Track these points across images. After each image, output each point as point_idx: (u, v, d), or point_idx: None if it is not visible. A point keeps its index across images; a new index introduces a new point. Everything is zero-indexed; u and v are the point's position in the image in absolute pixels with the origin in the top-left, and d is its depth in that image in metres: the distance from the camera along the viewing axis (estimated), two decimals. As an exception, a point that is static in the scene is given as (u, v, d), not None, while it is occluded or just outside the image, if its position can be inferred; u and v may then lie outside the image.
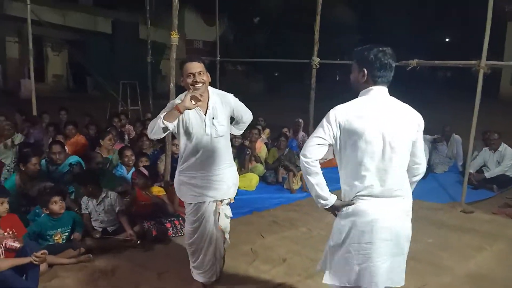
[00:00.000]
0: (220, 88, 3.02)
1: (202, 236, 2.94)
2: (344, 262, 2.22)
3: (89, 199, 3.99)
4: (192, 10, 19.17)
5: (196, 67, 2.71)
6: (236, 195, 5.43)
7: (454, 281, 3.41)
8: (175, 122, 2.67)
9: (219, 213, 2.94)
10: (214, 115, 2.82)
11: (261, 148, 6.87)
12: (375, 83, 2.15)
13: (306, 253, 3.86)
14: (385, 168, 2.09)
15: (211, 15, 10.40)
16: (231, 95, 2.95)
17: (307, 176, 2.21)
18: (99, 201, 4.00)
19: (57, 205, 3.51)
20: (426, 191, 5.97)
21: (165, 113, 2.67)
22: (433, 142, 7.35)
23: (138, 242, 3.84)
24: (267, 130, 8.34)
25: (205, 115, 2.80)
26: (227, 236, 3.09)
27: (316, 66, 6.93)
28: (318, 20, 6.80)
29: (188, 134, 2.79)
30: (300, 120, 8.14)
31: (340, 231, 2.24)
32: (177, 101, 2.75)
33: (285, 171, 6.28)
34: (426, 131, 7.58)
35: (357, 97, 2.22)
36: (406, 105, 2.20)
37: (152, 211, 4.29)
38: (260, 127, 7.74)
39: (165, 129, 2.64)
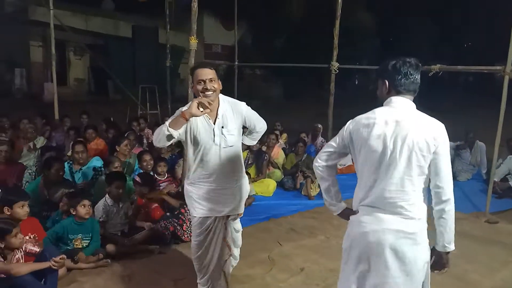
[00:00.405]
0: (238, 93, 2.96)
1: (207, 251, 2.79)
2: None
3: (111, 204, 3.96)
4: (211, 15, 19.26)
5: (207, 73, 2.59)
6: (253, 201, 5.49)
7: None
8: (181, 130, 2.54)
9: (227, 228, 2.83)
10: (224, 124, 2.67)
11: (278, 153, 6.82)
12: (397, 93, 2.08)
13: (324, 263, 3.78)
14: (383, 179, 1.99)
15: (230, 19, 10.41)
16: (243, 103, 2.80)
17: (318, 180, 2.29)
18: (121, 205, 4.02)
19: (84, 209, 3.54)
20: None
21: (170, 119, 2.56)
22: (456, 149, 7.16)
23: (157, 247, 3.84)
24: (285, 135, 8.29)
25: (214, 123, 2.66)
26: (236, 252, 2.96)
27: (335, 71, 6.84)
28: (338, 24, 6.71)
29: (196, 143, 2.65)
30: (319, 126, 8.06)
31: (344, 243, 2.18)
32: (185, 108, 2.62)
33: (303, 177, 6.22)
34: (449, 138, 7.34)
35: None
36: (427, 117, 2.03)
37: (162, 213, 4.35)
38: (277, 132, 7.70)
39: (170, 137, 2.50)
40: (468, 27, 19.63)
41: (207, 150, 2.66)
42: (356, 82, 25.34)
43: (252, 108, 2.87)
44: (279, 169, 6.60)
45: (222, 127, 2.66)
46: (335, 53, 6.80)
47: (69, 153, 5.96)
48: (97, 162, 5.02)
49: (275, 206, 5.43)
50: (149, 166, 5.09)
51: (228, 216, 2.82)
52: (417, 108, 2.12)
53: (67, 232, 3.50)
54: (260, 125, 2.91)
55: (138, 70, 11.14)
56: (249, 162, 6.34)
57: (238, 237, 2.93)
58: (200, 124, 2.65)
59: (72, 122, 7.73)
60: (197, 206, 2.74)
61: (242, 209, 2.89)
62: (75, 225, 3.54)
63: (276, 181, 6.18)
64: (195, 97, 2.61)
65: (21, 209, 3.12)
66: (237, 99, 2.79)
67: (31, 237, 3.15)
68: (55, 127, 7.52)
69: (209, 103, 2.51)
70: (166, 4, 9.52)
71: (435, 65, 6.00)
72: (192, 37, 4.48)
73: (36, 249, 3.01)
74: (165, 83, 9.69)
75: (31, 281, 2.72)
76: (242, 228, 4.53)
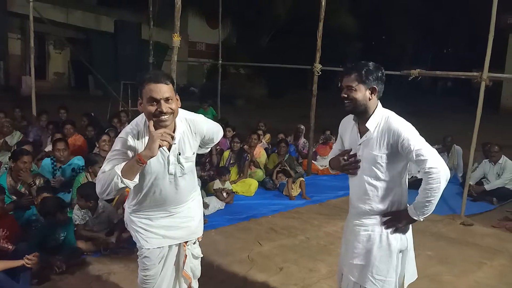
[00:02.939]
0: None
1: (160, 286, 2.35)
2: None
3: (84, 211, 3.83)
4: (196, 13, 19.15)
5: (162, 90, 1.96)
6: (234, 200, 5.49)
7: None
8: (137, 177, 2.00)
9: (186, 255, 2.36)
10: (180, 150, 2.15)
11: (260, 153, 6.82)
12: (379, 98, 2.22)
13: (304, 263, 3.80)
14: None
15: (215, 18, 10.39)
16: (202, 118, 2.27)
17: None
18: (95, 215, 3.89)
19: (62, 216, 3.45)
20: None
21: (121, 165, 1.95)
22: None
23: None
24: (268, 135, 8.30)
25: (169, 150, 2.11)
26: (195, 284, 2.51)
27: (318, 73, 6.90)
28: (321, 26, 6.77)
29: (144, 173, 2.09)
30: (302, 127, 8.10)
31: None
32: (130, 140, 2.03)
33: (284, 176, 6.24)
34: (428, 142, 7.46)
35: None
36: (391, 117, 2.15)
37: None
38: (260, 132, 7.70)
39: (123, 188, 1.98)
40: (449, 32, 20.06)
41: (159, 180, 2.14)
42: (339, 85, 25.55)
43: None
44: (260, 169, 6.60)
45: (179, 154, 2.14)
46: (318, 55, 6.86)
47: (47, 149, 5.87)
48: (78, 161, 4.90)
49: (255, 206, 5.42)
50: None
51: (186, 242, 2.37)
52: (397, 112, 2.26)
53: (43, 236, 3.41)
54: (218, 135, 2.40)
55: (120, 66, 10.92)
56: (231, 162, 6.33)
57: (197, 265, 2.47)
58: None
59: (50, 117, 7.54)
60: (149, 236, 2.24)
61: (201, 231, 2.45)
62: (48, 226, 3.44)
63: (258, 181, 6.18)
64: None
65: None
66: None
67: (4, 233, 3.06)
68: (32, 122, 7.34)
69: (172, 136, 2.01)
70: (150, 0, 9.41)
71: (415, 70, 6.12)
72: (176, 34, 4.44)
73: (9, 246, 2.93)
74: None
75: (3, 279, 2.65)
76: (223, 226, 4.56)
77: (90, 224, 3.86)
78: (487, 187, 6.20)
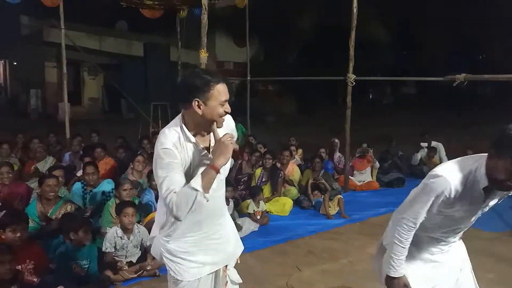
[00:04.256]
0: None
1: None
2: None
3: (120, 236, 3.68)
4: (223, 33, 19.37)
5: (228, 92, 1.89)
6: (268, 220, 5.21)
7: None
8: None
9: (226, 281, 2.15)
10: None
11: (293, 170, 6.53)
12: None
13: (348, 289, 3.47)
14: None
15: (242, 37, 10.34)
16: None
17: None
18: (132, 237, 3.72)
19: (86, 234, 3.30)
20: (480, 218, 5.42)
21: (198, 181, 1.77)
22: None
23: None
24: (300, 151, 8.00)
25: (210, 152, 1.92)
26: None
27: (352, 83, 6.60)
28: (353, 35, 6.50)
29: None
30: (336, 140, 7.76)
31: None
32: (176, 150, 1.84)
33: (320, 193, 5.92)
34: (476, 152, 6.91)
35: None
36: None
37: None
38: (292, 148, 7.43)
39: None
40: (483, 37, 19.24)
41: None
42: (371, 96, 25.03)
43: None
44: (294, 186, 6.31)
45: None
46: (351, 64, 6.58)
47: (78, 173, 5.83)
48: (107, 185, 4.80)
49: (291, 227, 5.12)
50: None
51: (225, 266, 2.15)
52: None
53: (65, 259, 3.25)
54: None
55: (150, 88, 11.06)
56: (263, 180, 6.07)
57: None
58: (192, 154, 1.88)
59: (83, 141, 7.60)
60: (190, 266, 2.01)
61: (239, 252, 2.26)
62: (72, 251, 3.29)
63: (292, 199, 5.89)
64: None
65: (13, 234, 2.88)
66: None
67: (30, 265, 2.92)
68: (65, 147, 7.41)
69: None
70: (177, 21, 9.50)
71: (460, 75, 5.72)
72: (202, 50, 4.31)
73: (34, 279, 2.78)
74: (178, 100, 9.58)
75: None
76: (258, 249, 4.28)
77: (124, 249, 3.69)
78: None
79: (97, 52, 16.61)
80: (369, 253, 4.25)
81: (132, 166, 5.29)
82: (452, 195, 1.90)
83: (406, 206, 2.05)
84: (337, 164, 7.50)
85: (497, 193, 1.93)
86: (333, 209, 5.59)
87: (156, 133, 8.81)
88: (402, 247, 2.03)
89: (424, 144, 7.92)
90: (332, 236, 4.82)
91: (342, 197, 5.71)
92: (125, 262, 3.57)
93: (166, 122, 10.60)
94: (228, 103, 1.89)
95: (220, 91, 1.84)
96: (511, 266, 3.95)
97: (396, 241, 2.03)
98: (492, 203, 2.00)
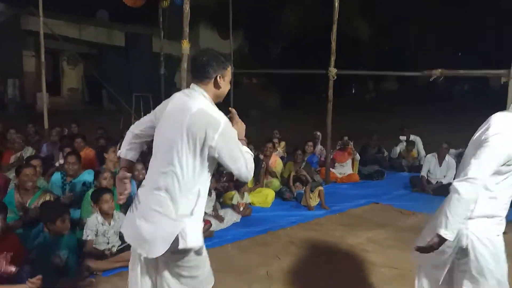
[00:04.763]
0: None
1: None
2: None
3: (101, 222, 3.68)
4: (207, 25, 19.19)
5: None
6: (251, 212, 5.25)
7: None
8: None
9: None
10: None
11: (276, 162, 6.59)
12: None
13: (327, 278, 3.53)
14: None
15: (226, 29, 10.29)
16: None
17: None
18: (112, 224, 3.73)
19: (64, 224, 3.27)
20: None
21: (244, 148, 2.06)
22: (459, 156, 6.96)
23: None
24: (283, 143, 8.07)
25: None
26: None
27: (333, 77, 6.67)
28: (335, 29, 6.56)
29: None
30: (318, 133, 7.85)
31: None
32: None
33: (301, 185, 5.99)
34: (451, 145, 7.09)
35: None
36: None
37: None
38: (275, 140, 7.48)
39: None
40: (466, 33, 19.63)
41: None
42: (353, 91, 25.29)
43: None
44: (277, 178, 6.36)
45: None
46: (332, 58, 6.64)
47: (57, 164, 5.74)
48: (88, 176, 4.73)
49: (273, 218, 5.17)
50: (141, 176, 4.84)
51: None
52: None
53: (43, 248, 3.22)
54: None
55: (132, 78, 10.93)
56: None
57: None
58: None
59: (62, 132, 7.47)
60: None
61: None
62: (50, 241, 3.25)
63: (274, 191, 5.94)
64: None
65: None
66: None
67: (7, 256, 2.87)
68: (44, 137, 7.27)
69: None
70: (160, 11, 9.38)
71: (437, 70, 5.86)
72: (185, 40, 4.28)
73: (12, 269, 2.74)
74: (160, 92, 9.49)
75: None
76: (239, 240, 4.31)
77: (103, 238, 3.68)
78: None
79: (77, 41, 16.24)
80: (348, 243, 4.35)
81: (106, 157, 5.19)
82: None
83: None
84: (319, 156, 7.59)
85: None
86: (314, 201, 5.67)
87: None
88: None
89: (403, 138, 8.08)
90: (313, 226, 4.89)
91: (323, 188, 5.79)
92: (105, 250, 3.56)
93: (148, 113, 10.48)
94: None
95: (230, 71, 2.17)
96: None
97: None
98: None
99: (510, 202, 2.13)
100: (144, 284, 2.08)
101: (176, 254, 1.96)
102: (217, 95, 2.10)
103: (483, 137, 2.05)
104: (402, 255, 4.05)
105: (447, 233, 1.98)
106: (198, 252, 2.03)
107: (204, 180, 2.02)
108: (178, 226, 1.94)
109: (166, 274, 2.02)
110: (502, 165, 2.00)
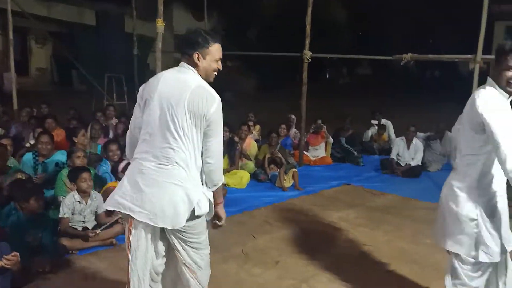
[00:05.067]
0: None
1: None
2: None
3: (78, 200, 3.66)
4: (181, 5, 18.83)
5: (221, 52, 2.24)
6: (227, 193, 5.31)
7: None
8: None
9: None
10: None
11: (251, 145, 6.65)
12: None
13: (300, 255, 3.67)
14: None
15: (200, 10, 10.15)
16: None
17: None
18: (89, 202, 3.72)
19: (37, 203, 3.23)
20: (420, 190, 5.87)
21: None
22: (427, 139, 7.23)
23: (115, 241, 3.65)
24: (258, 127, 8.13)
25: None
26: None
27: (308, 60, 6.74)
28: (310, 12, 6.60)
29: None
30: (293, 116, 7.95)
31: None
32: None
33: (276, 167, 6.09)
34: (420, 129, 7.34)
35: None
36: None
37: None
38: (250, 123, 7.52)
39: None
40: (439, 19, 20.00)
41: None
42: (328, 75, 25.52)
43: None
44: (252, 160, 6.44)
45: None
46: (307, 41, 6.70)
47: (28, 144, 5.62)
48: (61, 156, 4.67)
49: (248, 199, 5.26)
50: (115, 156, 4.81)
51: None
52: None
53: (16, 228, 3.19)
54: None
55: (104, 59, 10.65)
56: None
57: None
58: None
59: (32, 113, 7.26)
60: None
61: None
62: (24, 220, 3.22)
63: (249, 173, 6.02)
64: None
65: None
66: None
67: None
68: (13, 117, 7.06)
69: None
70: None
71: (407, 54, 6.02)
72: (159, 19, 4.22)
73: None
74: (133, 73, 9.33)
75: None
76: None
77: (79, 216, 3.67)
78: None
79: (45, 19, 15.57)
80: (321, 222, 4.49)
81: (76, 140, 5.12)
82: None
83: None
84: (293, 139, 7.71)
85: None
86: (288, 182, 5.79)
87: (111, 105, 8.58)
88: None
89: (375, 122, 8.29)
90: (287, 207, 5.01)
91: (296, 170, 5.92)
92: (80, 229, 3.56)
93: (121, 95, 10.34)
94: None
95: (216, 49, 2.18)
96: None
97: None
98: None
99: None
100: (148, 254, 2.19)
101: (188, 221, 2.12)
102: (202, 73, 2.17)
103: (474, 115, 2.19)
104: (372, 233, 4.24)
105: None
106: (203, 219, 2.22)
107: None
108: (196, 196, 2.11)
109: (175, 240, 2.19)
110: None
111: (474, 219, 2.30)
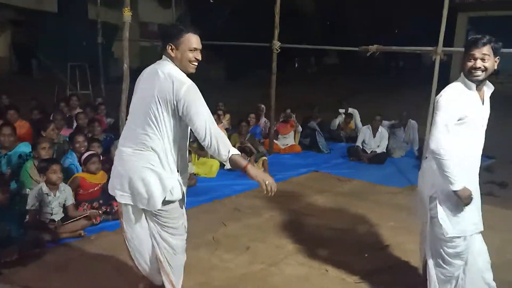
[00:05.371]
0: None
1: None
2: None
3: (46, 192, 3.60)
4: (147, -8, 18.37)
5: (199, 42, 2.33)
6: (197, 182, 5.33)
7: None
8: None
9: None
10: None
11: (221, 134, 6.67)
12: None
13: (270, 240, 3.76)
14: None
15: (167, -4, 9.97)
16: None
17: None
18: (57, 195, 3.66)
19: (3, 196, 3.15)
20: (384, 175, 6.11)
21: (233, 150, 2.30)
22: (391, 127, 7.50)
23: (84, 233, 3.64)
24: (228, 116, 8.14)
25: None
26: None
27: (277, 50, 6.80)
28: (279, 2, 6.63)
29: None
30: (262, 106, 8.01)
31: None
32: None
33: (246, 156, 6.15)
34: (386, 118, 7.60)
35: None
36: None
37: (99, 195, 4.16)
38: (220, 113, 7.54)
39: None
40: (404, 10, 20.47)
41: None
42: (296, 65, 25.69)
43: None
44: (222, 149, 6.46)
45: None
46: (276, 32, 6.74)
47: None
48: (25, 148, 4.54)
49: (218, 187, 5.30)
50: (82, 148, 4.71)
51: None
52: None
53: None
54: None
55: (66, 47, 10.28)
56: (191, 140, 6.12)
57: None
58: None
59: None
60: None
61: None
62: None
63: (219, 162, 6.05)
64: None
65: None
66: None
67: None
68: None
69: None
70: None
71: (372, 46, 6.19)
72: (126, 8, 4.14)
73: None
74: (97, 62, 9.08)
75: None
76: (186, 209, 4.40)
77: (49, 206, 3.61)
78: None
79: (2, 6, 14.82)
80: (291, 208, 4.61)
81: (44, 134, 4.98)
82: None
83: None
84: (263, 129, 7.78)
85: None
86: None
87: (74, 95, 8.34)
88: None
89: (342, 111, 8.49)
90: (257, 194, 5.07)
91: (266, 159, 6.01)
92: (48, 221, 3.50)
93: (85, 84, 10.02)
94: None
95: (190, 39, 2.27)
96: (409, 214, 4.53)
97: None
98: None
99: None
100: (140, 234, 2.38)
101: (163, 206, 2.25)
102: (178, 64, 2.26)
103: None
104: (339, 217, 4.40)
105: None
106: (178, 205, 2.34)
107: (183, 139, 2.34)
108: (170, 183, 2.24)
109: (151, 224, 2.34)
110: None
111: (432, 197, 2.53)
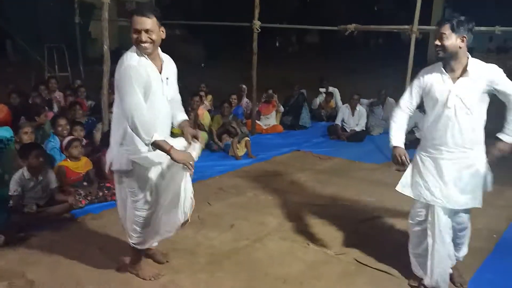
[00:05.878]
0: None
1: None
2: None
3: (28, 178, 3.60)
4: (124, -31, 17.80)
5: (143, 23, 2.32)
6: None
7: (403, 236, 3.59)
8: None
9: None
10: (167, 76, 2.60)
11: (203, 115, 6.70)
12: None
13: (254, 218, 3.88)
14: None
15: (145, -26, 9.73)
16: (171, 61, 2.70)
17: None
18: (40, 179, 3.66)
19: None
20: (363, 153, 6.29)
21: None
22: (370, 105, 7.66)
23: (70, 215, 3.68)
24: (210, 97, 8.15)
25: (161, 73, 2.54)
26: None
27: (257, 30, 6.80)
28: (259, -19, 6.59)
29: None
30: (244, 86, 8.04)
31: None
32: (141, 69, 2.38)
33: (228, 137, 6.22)
34: (364, 96, 7.78)
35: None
36: (484, 63, 2.54)
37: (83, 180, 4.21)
38: (202, 94, 7.54)
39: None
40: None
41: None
42: (277, 44, 25.57)
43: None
44: (205, 131, 6.51)
45: (167, 78, 2.58)
46: (256, 11, 6.73)
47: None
48: (5, 132, 4.46)
49: (202, 168, 5.33)
50: (64, 131, 4.70)
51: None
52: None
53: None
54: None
55: (43, 28, 9.98)
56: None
57: None
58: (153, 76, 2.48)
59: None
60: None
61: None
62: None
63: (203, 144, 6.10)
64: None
65: None
66: None
67: None
68: None
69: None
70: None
71: (351, 25, 6.27)
72: (105, -12, 4.08)
73: None
74: (75, 42, 8.88)
75: None
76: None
77: (29, 194, 3.62)
78: (418, 135, 6.63)
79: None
80: (272, 187, 4.73)
81: (38, 120, 4.94)
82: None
83: None
84: (245, 109, 7.83)
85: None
86: (241, 151, 5.96)
87: (53, 78, 8.19)
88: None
89: (323, 90, 8.60)
90: (240, 174, 5.20)
91: (249, 139, 6.09)
92: (34, 207, 3.52)
93: (63, 66, 9.84)
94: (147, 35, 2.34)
95: (133, 21, 2.35)
96: (386, 189, 4.70)
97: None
98: None
99: None
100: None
101: (115, 175, 2.61)
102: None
103: None
104: (320, 194, 4.55)
105: None
106: (132, 178, 2.55)
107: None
108: (110, 155, 2.58)
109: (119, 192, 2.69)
110: None
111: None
